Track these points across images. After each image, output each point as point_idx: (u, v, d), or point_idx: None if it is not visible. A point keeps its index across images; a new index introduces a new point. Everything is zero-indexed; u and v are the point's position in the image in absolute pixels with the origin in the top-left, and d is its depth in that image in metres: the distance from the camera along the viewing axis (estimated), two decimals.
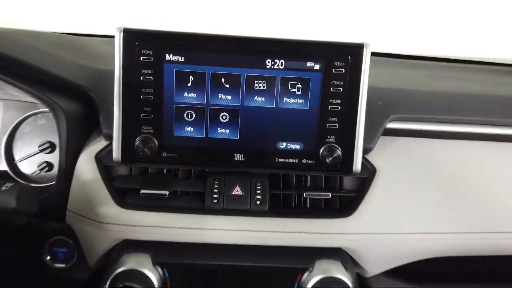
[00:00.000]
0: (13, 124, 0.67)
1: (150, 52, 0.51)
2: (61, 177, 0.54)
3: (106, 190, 0.53)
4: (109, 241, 0.53)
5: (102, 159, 0.55)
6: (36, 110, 0.68)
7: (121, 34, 0.50)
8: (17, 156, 0.67)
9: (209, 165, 0.55)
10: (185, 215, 0.53)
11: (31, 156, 0.67)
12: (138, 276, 0.48)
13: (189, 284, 0.51)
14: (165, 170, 0.57)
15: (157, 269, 0.50)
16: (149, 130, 0.53)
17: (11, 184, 0.43)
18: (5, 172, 0.65)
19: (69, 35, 0.72)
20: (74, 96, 0.56)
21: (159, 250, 0.51)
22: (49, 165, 0.66)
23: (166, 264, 0.51)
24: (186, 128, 0.53)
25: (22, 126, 0.68)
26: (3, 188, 0.43)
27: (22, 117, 0.68)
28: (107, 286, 0.49)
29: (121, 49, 0.50)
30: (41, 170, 0.66)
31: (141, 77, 0.51)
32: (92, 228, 0.53)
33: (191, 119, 0.53)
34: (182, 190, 0.55)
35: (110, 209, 0.52)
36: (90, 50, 0.65)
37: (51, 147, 0.67)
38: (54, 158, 0.66)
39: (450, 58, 0.90)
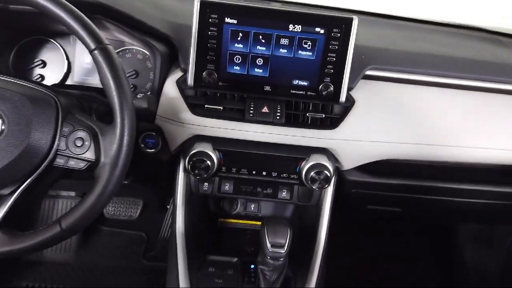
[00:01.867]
0: None
1: (216, 16, 0.79)
2: (154, 93, 0.85)
3: (184, 103, 0.85)
4: (185, 135, 0.86)
5: (180, 83, 0.86)
6: (125, 47, 0.98)
7: (198, 3, 0.78)
8: None
9: (248, 92, 0.85)
10: (232, 122, 0.85)
11: None
12: (204, 155, 0.82)
13: (234, 163, 0.85)
14: (218, 94, 0.88)
15: (215, 152, 0.83)
16: (211, 67, 0.83)
17: (142, 94, 0.75)
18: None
19: None
20: (161, 41, 0.86)
21: (216, 141, 0.84)
22: (135, 87, 0.98)
23: (221, 150, 0.84)
24: (234, 67, 0.83)
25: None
26: (138, 96, 0.74)
27: (115, 51, 0.98)
28: (186, 160, 0.82)
29: (197, 13, 0.79)
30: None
31: (209, 32, 0.80)
32: (174, 127, 0.85)
33: (238, 62, 0.83)
34: (230, 107, 0.86)
35: (187, 115, 0.84)
36: (168, 8, 0.93)
37: (136, 74, 0.97)
38: (137, 81, 0.97)
39: (422, 19, 1.15)
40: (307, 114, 0.86)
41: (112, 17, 0.79)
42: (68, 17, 0.61)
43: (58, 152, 0.63)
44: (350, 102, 0.87)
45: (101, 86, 0.95)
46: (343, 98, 0.84)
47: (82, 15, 0.62)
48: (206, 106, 0.85)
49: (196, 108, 0.85)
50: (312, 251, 0.87)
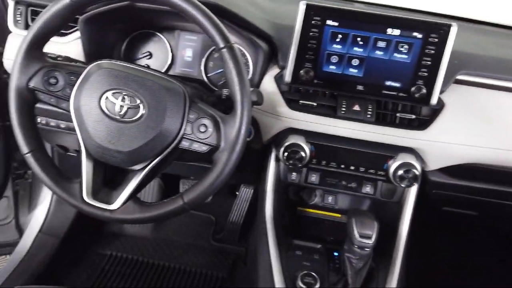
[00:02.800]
0: (209, 51, 1.06)
1: (318, 18, 0.85)
2: (253, 87, 0.93)
3: (281, 97, 0.91)
4: (279, 127, 0.93)
5: (278, 79, 0.93)
6: None
7: (304, 6, 0.84)
8: (209, 72, 1.07)
9: (341, 90, 0.91)
10: (324, 117, 0.91)
11: (218, 73, 1.07)
12: (298, 147, 0.88)
13: (324, 156, 0.91)
14: (311, 90, 0.94)
15: (308, 145, 0.90)
16: (309, 65, 0.89)
17: (252, 88, 0.82)
18: (205, 82, 1.05)
19: None
20: (264, 40, 0.93)
21: (309, 135, 0.91)
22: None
23: (313, 143, 0.90)
24: (331, 67, 0.89)
25: (213, 52, 1.07)
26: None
27: (214, 47, 1.07)
28: (281, 150, 0.89)
29: (302, 16, 0.85)
30: (224, 82, 1.05)
31: (310, 33, 0.86)
32: (269, 119, 0.92)
33: (335, 61, 0.88)
34: (323, 103, 0.92)
35: (282, 109, 0.91)
36: (268, 9, 1.00)
37: None
38: None
39: None
40: (397, 114, 0.90)
41: (225, 17, 0.86)
42: (203, 18, 0.69)
43: (184, 136, 0.72)
44: (440, 105, 0.90)
45: (199, 78, 1.06)
46: (434, 100, 0.87)
47: (214, 16, 0.70)
48: (300, 101, 0.92)
49: (292, 103, 0.92)
50: (393, 245, 0.91)
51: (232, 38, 0.99)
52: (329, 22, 0.86)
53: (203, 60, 1.04)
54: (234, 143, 0.70)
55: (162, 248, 1.53)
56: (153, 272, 1.42)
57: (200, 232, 1.58)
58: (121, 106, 0.70)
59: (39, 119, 1.05)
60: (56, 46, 0.94)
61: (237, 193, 1.59)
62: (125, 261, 1.45)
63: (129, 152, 0.71)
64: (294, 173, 0.97)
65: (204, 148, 0.73)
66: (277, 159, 0.98)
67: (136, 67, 0.74)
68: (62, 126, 1.06)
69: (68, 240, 1.38)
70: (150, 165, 0.74)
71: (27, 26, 0.99)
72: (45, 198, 1.41)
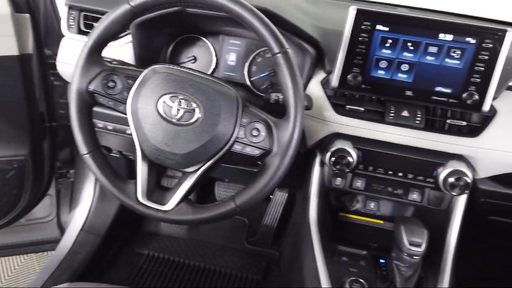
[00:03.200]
0: (252, 55, 1.08)
1: (368, 23, 0.85)
2: None
3: (327, 102, 0.91)
4: (324, 132, 0.93)
5: (324, 84, 0.93)
6: (266, 48, 1.07)
7: (355, 11, 0.84)
8: (252, 76, 1.08)
9: (389, 95, 0.90)
10: (371, 122, 0.90)
11: (262, 77, 1.07)
12: (346, 152, 0.88)
13: (371, 161, 0.90)
14: (357, 95, 0.94)
15: (355, 150, 0.89)
16: (357, 70, 0.88)
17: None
18: (248, 85, 1.07)
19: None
20: (311, 44, 0.93)
21: (356, 140, 0.90)
22: (272, 84, 1.07)
23: (360, 148, 0.90)
24: (379, 71, 0.88)
25: (256, 57, 1.08)
26: None
27: (257, 51, 1.08)
28: (327, 155, 0.89)
29: (352, 20, 0.85)
30: (267, 86, 1.06)
31: (360, 38, 0.86)
32: (315, 123, 0.93)
33: (383, 66, 0.88)
34: (370, 108, 0.92)
35: (329, 114, 0.91)
36: (314, 14, 1.01)
37: (274, 72, 1.06)
38: (275, 79, 1.06)
39: None
40: (447, 121, 0.88)
41: (275, 22, 0.87)
42: (258, 23, 0.70)
43: (237, 140, 0.73)
44: (492, 111, 0.88)
45: (242, 81, 1.07)
46: (487, 107, 0.85)
47: (269, 22, 0.71)
48: (347, 106, 0.91)
49: (338, 108, 0.92)
50: (441, 254, 0.90)
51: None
52: (379, 27, 0.85)
53: (247, 64, 1.06)
54: (286, 147, 0.71)
55: (197, 249, 1.55)
56: (188, 273, 1.44)
57: (234, 234, 1.60)
58: (178, 110, 0.72)
59: None
60: (108, 50, 0.97)
61: (271, 196, 1.60)
62: (161, 261, 1.48)
63: (184, 154, 0.73)
64: (339, 178, 0.97)
65: (256, 152, 0.73)
66: (322, 164, 0.98)
67: (192, 72, 0.75)
68: (109, 127, 1.09)
69: (108, 239, 1.42)
70: (203, 167, 0.75)
71: (79, 31, 1.03)
72: (86, 197, 1.45)
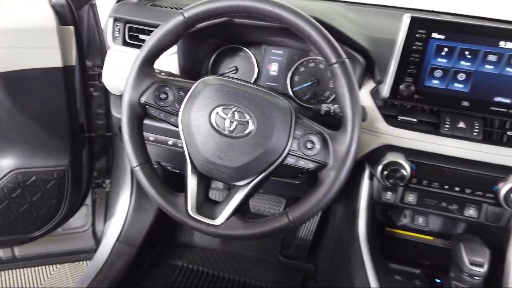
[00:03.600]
0: (295, 65, 1.06)
1: (423, 31, 0.81)
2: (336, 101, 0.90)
3: (378, 113, 0.88)
4: (375, 144, 0.89)
5: (373, 94, 0.90)
6: (309, 57, 1.05)
7: (409, 19, 0.81)
8: (295, 86, 1.06)
9: (444, 106, 0.86)
10: (425, 134, 0.86)
11: (304, 87, 1.05)
12: (398, 165, 0.84)
13: (426, 175, 0.86)
14: (408, 106, 0.90)
15: (408, 162, 0.85)
16: (410, 80, 0.85)
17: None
18: (291, 96, 1.04)
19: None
20: (360, 53, 0.91)
21: (409, 153, 0.86)
22: (315, 95, 1.04)
23: (414, 161, 0.86)
24: (433, 81, 0.84)
25: (299, 67, 1.06)
26: None
27: (300, 61, 1.06)
28: (379, 169, 0.85)
29: (406, 29, 0.82)
30: (309, 96, 1.04)
31: (414, 47, 0.83)
32: (365, 135, 0.89)
33: (438, 76, 0.84)
34: (424, 119, 0.88)
35: (380, 125, 0.88)
36: (361, 22, 0.98)
37: (317, 82, 1.04)
38: (317, 89, 1.03)
39: None
40: (507, 133, 0.84)
41: None
42: (315, 32, 0.68)
43: (290, 152, 0.71)
44: None
45: (284, 92, 1.05)
46: None
47: (326, 32, 0.69)
48: (399, 117, 0.88)
49: (389, 119, 0.88)
50: (501, 274, 0.84)
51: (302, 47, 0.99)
52: (434, 35, 0.82)
53: (289, 74, 1.04)
54: (343, 160, 0.68)
55: (230, 261, 1.52)
56: (224, 286, 1.42)
57: (268, 246, 1.57)
58: (231, 122, 0.70)
59: None
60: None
61: None
62: (195, 273, 1.46)
63: (236, 167, 0.71)
64: (389, 192, 0.93)
65: (311, 166, 0.71)
66: (371, 177, 0.94)
67: (245, 83, 0.74)
68: (151, 138, 1.08)
69: (143, 250, 1.41)
70: (255, 181, 0.73)
71: (124, 42, 1.04)
72: (122, 208, 1.45)
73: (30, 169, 1.18)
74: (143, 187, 0.76)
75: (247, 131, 0.70)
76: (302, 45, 1.01)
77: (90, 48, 1.29)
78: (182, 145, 0.74)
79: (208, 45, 1.04)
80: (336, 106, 0.80)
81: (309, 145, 0.70)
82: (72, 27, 1.13)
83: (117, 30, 1.04)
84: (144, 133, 1.09)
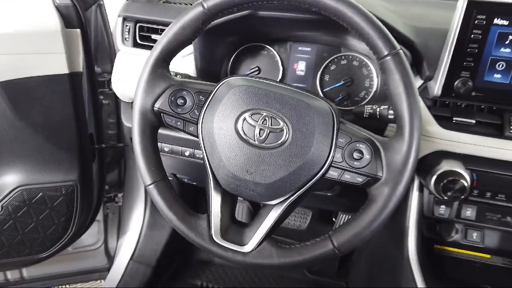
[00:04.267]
0: (325, 63, 0.94)
1: (483, 17, 0.69)
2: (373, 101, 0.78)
3: (428, 113, 0.76)
4: (426, 150, 0.77)
5: (421, 93, 0.78)
6: (341, 54, 0.93)
7: (465, 3, 0.69)
8: (325, 86, 0.94)
9: (508, 104, 0.73)
10: (487, 138, 0.73)
11: (336, 87, 0.93)
12: (457, 174, 0.71)
13: (489, 186, 0.73)
14: (463, 105, 0.78)
15: (468, 171, 0.73)
16: (466, 75, 0.73)
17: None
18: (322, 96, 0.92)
19: None
20: (404, 45, 0.78)
21: (467, 160, 0.74)
22: (348, 95, 0.92)
23: (474, 170, 0.73)
24: (495, 75, 0.72)
25: (329, 64, 0.94)
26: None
27: (330, 58, 0.94)
28: (433, 179, 0.73)
29: (461, 14, 0.69)
30: (342, 97, 0.92)
31: (471, 36, 0.70)
32: None
33: (501, 69, 0.71)
34: (484, 120, 0.75)
35: (432, 128, 0.76)
36: (403, 11, 0.86)
37: (351, 81, 0.92)
38: (351, 89, 0.91)
39: None
40: None
41: None
42: (365, 22, 0.56)
43: (333, 164, 0.59)
44: None
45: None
46: None
47: (376, 19, 0.57)
48: (454, 118, 0.75)
49: (442, 120, 0.76)
50: None
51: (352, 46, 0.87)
52: (497, 21, 0.69)
53: (319, 73, 0.92)
54: (399, 173, 0.56)
55: (253, 279, 1.40)
56: None
57: None
58: (261, 130, 0.59)
59: None
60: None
61: (334, 219, 1.43)
62: None
63: (269, 184, 0.60)
64: (442, 206, 0.80)
65: (359, 180, 0.59)
66: (421, 189, 0.81)
67: (275, 83, 0.62)
68: (166, 149, 0.98)
69: (159, 269, 1.30)
70: (291, 199, 0.61)
71: (135, 43, 0.93)
72: (135, 224, 1.35)
73: (36, 185, 1.08)
74: (158, 208, 0.65)
75: (281, 140, 0.59)
76: (333, 40, 0.89)
77: (99, 53, 1.19)
78: (202, 156, 0.63)
79: (227, 44, 0.93)
80: (383, 107, 0.67)
81: (356, 155, 0.58)
82: (78, 30, 1.03)
83: (127, 30, 0.94)
84: (159, 144, 1.00)
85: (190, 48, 0.86)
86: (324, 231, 1.45)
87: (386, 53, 0.56)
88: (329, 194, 0.97)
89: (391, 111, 0.65)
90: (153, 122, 0.65)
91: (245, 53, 0.97)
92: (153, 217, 1.31)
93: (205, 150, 0.62)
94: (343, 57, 0.92)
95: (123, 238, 1.37)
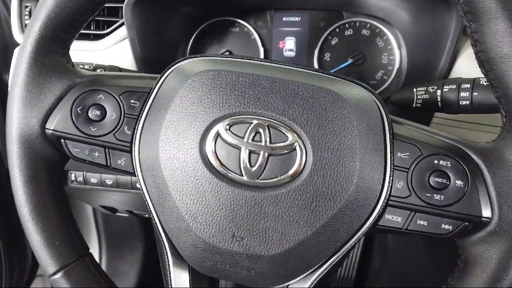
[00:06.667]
0: (323, 37, 0.67)
1: None
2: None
3: None
4: None
5: None
6: (344, 21, 0.66)
7: None
8: (327, 68, 0.67)
9: None
10: None
11: (342, 68, 0.66)
12: None
13: None
14: None
15: None
16: None
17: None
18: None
19: None
20: None
21: None
22: (361, 78, 0.66)
23: None
24: None
25: (329, 38, 0.67)
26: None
27: (330, 29, 0.67)
28: None
29: None
30: None
31: None
32: None
33: None
34: None
35: None
36: None
37: (362, 58, 0.65)
38: (363, 69, 0.66)
39: None
40: None
41: None
42: None
43: (392, 202, 0.32)
44: None
45: None
46: None
47: None
48: None
49: None
50: None
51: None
52: None
53: (316, 50, 0.67)
54: None
55: None
56: None
57: None
58: (253, 153, 0.30)
59: (72, 176, 0.68)
60: (90, 56, 0.57)
61: None
62: None
63: (278, 256, 0.31)
64: None
65: (446, 228, 0.31)
66: None
67: (267, 63, 0.34)
68: (108, 182, 0.67)
69: None
70: (318, 271, 0.33)
71: None
72: None
73: None
74: None
75: (292, 171, 0.30)
76: (332, 0, 0.62)
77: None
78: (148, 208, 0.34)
79: (182, 19, 0.64)
80: (449, 87, 0.40)
81: (435, 181, 0.31)
82: None
83: (27, 13, 0.63)
84: (97, 176, 0.70)
85: (123, 32, 0.56)
86: None
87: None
88: None
89: (480, 95, 0.38)
90: (48, 157, 0.35)
91: (209, 33, 0.69)
92: (111, 264, 1.01)
93: (150, 200, 0.33)
94: (347, 25, 0.67)
95: None
